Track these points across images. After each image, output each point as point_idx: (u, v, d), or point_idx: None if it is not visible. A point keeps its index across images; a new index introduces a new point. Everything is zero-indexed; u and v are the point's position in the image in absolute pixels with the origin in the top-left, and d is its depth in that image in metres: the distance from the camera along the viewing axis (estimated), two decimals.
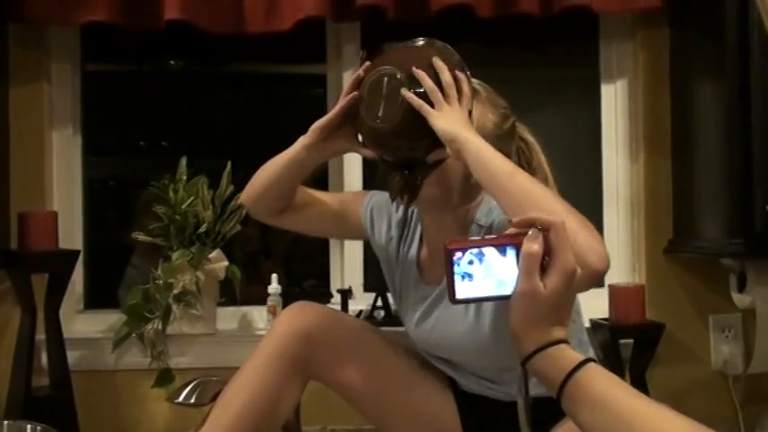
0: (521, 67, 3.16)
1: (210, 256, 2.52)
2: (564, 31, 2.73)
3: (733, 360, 2.65)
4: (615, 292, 2.55)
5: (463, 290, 1.17)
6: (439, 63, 1.59)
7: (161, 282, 2.49)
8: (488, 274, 1.17)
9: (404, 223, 1.89)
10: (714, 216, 2.46)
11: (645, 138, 2.68)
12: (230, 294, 2.63)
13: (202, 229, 2.51)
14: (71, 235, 2.61)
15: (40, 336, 2.46)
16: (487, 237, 1.20)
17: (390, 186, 1.67)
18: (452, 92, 1.57)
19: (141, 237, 2.55)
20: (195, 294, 2.50)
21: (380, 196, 1.91)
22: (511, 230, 1.18)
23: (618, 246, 2.72)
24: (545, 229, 1.15)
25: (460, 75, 1.60)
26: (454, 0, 2.43)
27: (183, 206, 2.49)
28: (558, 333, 1.16)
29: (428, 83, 1.56)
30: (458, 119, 1.55)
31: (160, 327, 2.47)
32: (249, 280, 2.89)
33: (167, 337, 2.50)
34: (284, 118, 3.88)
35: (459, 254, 1.16)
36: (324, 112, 2.66)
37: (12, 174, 2.52)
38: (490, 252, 1.17)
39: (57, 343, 2.45)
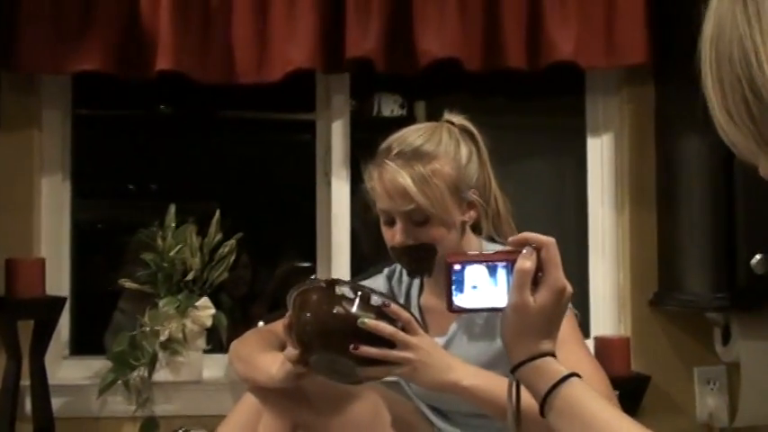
0: (508, 115, 3.20)
1: (197, 303, 2.54)
2: (551, 85, 2.77)
3: (718, 413, 2.68)
4: (601, 344, 2.57)
5: (460, 300, 1.25)
6: (369, 323, 1.52)
7: (148, 329, 2.50)
8: (484, 287, 1.25)
9: (391, 291, 1.92)
10: (699, 270, 2.50)
11: (630, 191, 2.72)
12: (216, 341, 2.64)
13: (190, 276, 2.53)
14: (58, 281, 2.63)
15: (25, 382, 2.46)
16: (485, 253, 1.30)
17: (405, 269, 1.78)
18: (401, 336, 1.53)
19: (128, 284, 2.57)
20: (181, 342, 2.52)
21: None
22: (506, 248, 1.27)
23: (603, 298, 2.75)
24: (538, 248, 1.22)
25: (388, 309, 1.55)
26: (442, 54, 2.48)
27: (171, 253, 2.52)
28: (546, 346, 1.23)
29: (385, 330, 1.52)
30: (432, 362, 1.53)
31: (146, 374, 2.49)
32: (235, 324, 2.90)
33: (153, 384, 2.51)
34: (272, 163, 3.92)
35: (457, 266, 1.25)
36: (312, 158, 2.73)
37: (0, 219, 2.54)
38: (487, 267, 1.25)
39: (41, 389, 2.46)
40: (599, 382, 1.57)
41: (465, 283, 1.25)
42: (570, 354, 1.61)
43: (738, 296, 2.37)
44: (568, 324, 1.65)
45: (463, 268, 1.25)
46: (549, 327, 1.24)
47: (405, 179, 1.70)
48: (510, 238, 1.26)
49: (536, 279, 1.23)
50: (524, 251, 1.22)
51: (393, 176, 1.72)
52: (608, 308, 2.75)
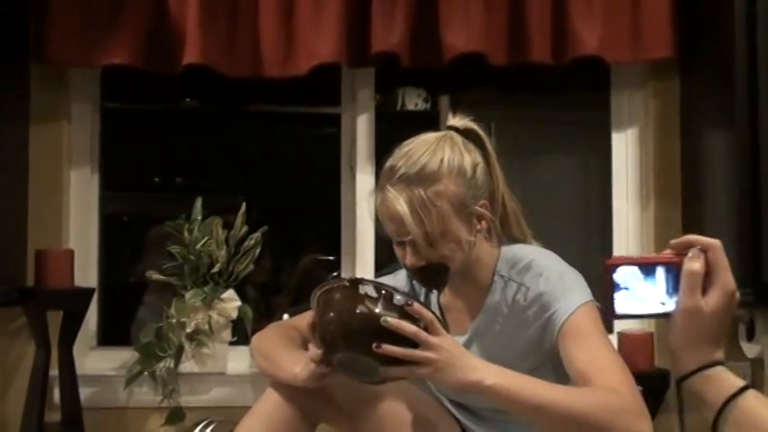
0: (533, 110, 3.19)
1: (223, 295, 2.56)
2: (576, 80, 2.76)
3: None
4: (624, 340, 2.56)
5: (622, 306, 1.20)
6: (392, 322, 1.50)
7: (174, 320, 2.53)
8: (647, 291, 1.20)
9: (412, 289, 1.92)
10: None
11: (655, 186, 2.72)
12: (242, 333, 2.65)
13: (216, 269, 2.55)
14: (86, 272, 2.66)
15: (54, 372, 2.49)
16: (646, 256, 1.24)
17: (421, 284, 1.78)
18: (424, 336, 1.51)
19: (155, 276, 2.59)
20: (207, 333, 2.54)
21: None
22: (667, 252, 1.21)
23: None
24: (704, 251, 1.18)
25: (411, 308, 1.53)
26: (467, 48, 2.48)
27: (198, 246, 2.54)
28: (718, 354, 1.19)
29: (408, 329, 1.50)
30: (454, 362, 1.52)
31: (172, 365, 2.51)
32: (260, 316, 2.92)
33: (179, 375, 2.54)
34: (297, 156, 3.92)
35: (618, 270, 1.20)
36: (337, 152, 2.74)
37: (30, 211, 2.57)
38: (650, 270, 1.20)
39: (70, 379, 2.48)
40: (620, 377, 1.57)
41: (625, 288, 1.20)
42: (592, 347, 1.61)
43: (763, 292, 2.35)
44: (590, 316, 1.66)
45: (623, 273, 1.19)
46: (720, 333, 1.19)
47: (402, 207, 1.66)
48: (672, 242, 1.20)
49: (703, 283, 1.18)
50: (690, 253, 1.18)
51: (392, 204, 1.68)
52: None
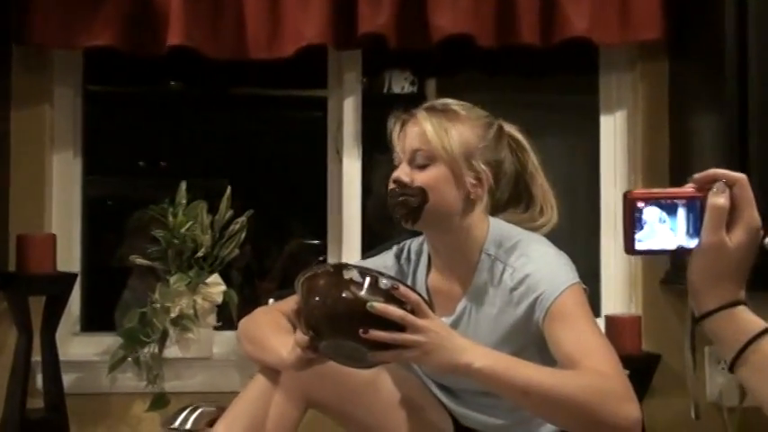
0: (521, 93, 3.18)
1: (208, 280, 2.54)
2: (564, 62, 2.75)
3: (728, 392, 2.66)
4: (611, 323, 2.56)
5: (641, 241, 1.15)
6: (378, 307, 1.48)
7: (158, 305, 2.51)
8: (669, 226, 1.15)
9: (400, 270, 1.91)
10: None
11: (643, 169, 2.70)
12: (227, 318, 2.64)
13: (200, 253, 2.53)
14: (69, 257, 2.63)
15: (36, 358, 2.47)
16: (668, 189, 1.18)
17: (394, 213, 1.75)
18: (411, 319, 1.49)
19: (139, 260, 2.57)
20: (192, 318, 2.52)
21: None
22: (690, 186, 1.16)
23: (615, 276, 2.74)
24: (729, 185, 1.13)
25: (397, 291, 1.52)
26: (455, 30, 2.46)
27: (182, 230, 2.51)
28: (741, 293, 1.14)
29: (395, 313, 1.48)
30: (443, 344, 1.50)
31: (156, 350, 2.49)
32: (245, 301, 2.90)
33: (163, 360, 2.52)
34: (283, 140, 3.90)
35: (641, 203, 1.15)
36: (323, 135, 2.72)
37: (11, 195, 2.54)
38: (673, 205, 1.15)
39: (52, 365, 2.46)
40: (607, 360, 1.56)
41: (645, 223, 1.14)
42: (579, 330, 1.61)
43: (751, 275, 2.35)
44: (577, 299, 1.65)
45: (645, 206, 1.14)
46: (744, 271, 1.14)
47: (425, 122, 1.74)
48: (695, 176, 1.15)
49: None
50: (715, 188, 1.13)
51: (416, 118, 1.76)
52: (619, 287, 2.74)
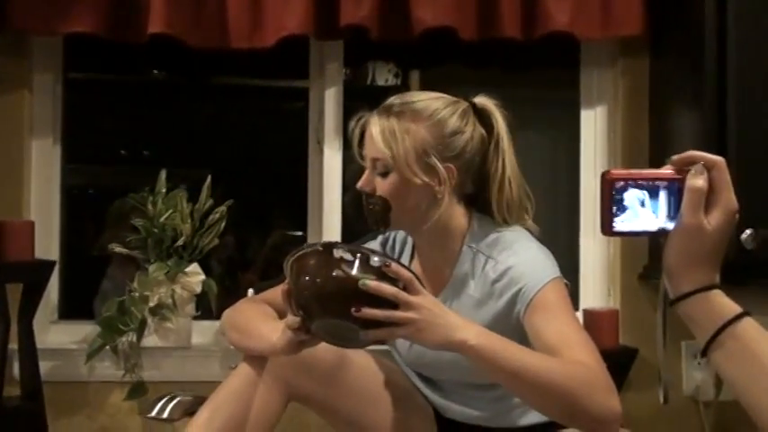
0: (503, 87, 3.18)
1: (187, 269, 2.54)
2: (546, 57, 2.75)
3: (705, 386, 2.68)
4: (589, 317, 2.57)
5: (619, 222, 1.14)
6: (371, 284, 1.48)
7: (137, 294, 2.50)
8: (646, 208, 1.14)
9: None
10: None
11: (623, 164, 2.70)
12: (206, 308, 2.63)
13: (180, 242, 2.52)
14: (47, 244, 2.62)
15: (13, 345, 2.45)
16: (647, 171, 1.16)
17: (367, 217, 1.77)
18: (404, 296, 1.49)
19: (118, 249, 2.56)
20: (171, 308, 2.51)
21: None
22: (668, 167, 1.15)
23: (593, 271, 2.76)
24: (708, 168, 1.12)
25: (389, 269, 1.50)
26: (437, 23, 2.46)
27: (162, 219, 2.51)
28: (716, 277, 1.14)
29: (388, 291, 1.48)
30: (436, 321, 1.49)
31: (134, 339, 2.49)
32: (226, 292, 2.90)
33: (141, 349, 2.51)
34: (264, 130, 3.90)
35: (620, 183, 1.14)
36: (304, 126, 2.72)
37: None
38: (651, 186, 1.14)
39: (29, 353, 2.44)
40: (588, 353, 1.56)
41: (623, 204, 1.13)
42: (560, 323, 1.61)
43: (728, 270, 2.34)
44: (559, 293, 1.66)
45: (622, 187, 1.13)
46: (720, 254, 1.13)
47: (375, 128, 1.73)
48: (673, 157, 1.14)
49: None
50: (693, 170, 1.11)
51: (370, 123, 1.75)
52: (597, 281, 2.76)
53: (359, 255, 1.51)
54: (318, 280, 1.49)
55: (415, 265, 1.86)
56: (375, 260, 1.51)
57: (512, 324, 1.68)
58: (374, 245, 1.93)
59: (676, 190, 1.14)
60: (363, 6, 2.43)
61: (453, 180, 1.75)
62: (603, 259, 2.76)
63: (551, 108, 3.26)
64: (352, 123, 1.81)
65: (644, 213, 1.14)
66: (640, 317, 2.69)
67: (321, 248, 1.53)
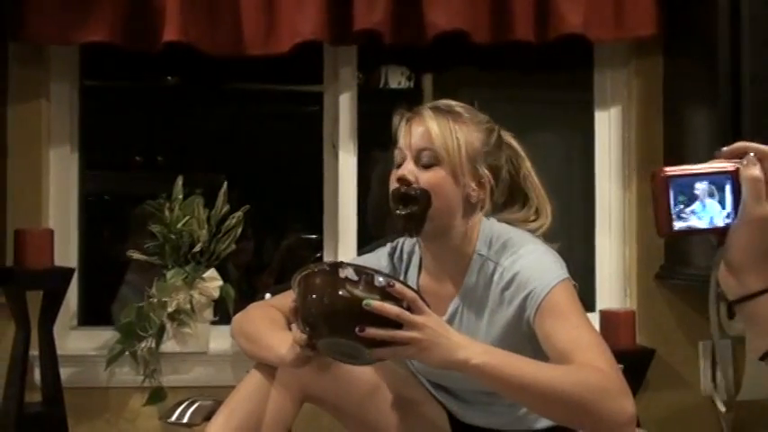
0: (517, 89, 3.19)
1: (205, 275, 2.55)
2: (559, 58, 2.75)
3: (722, 386, 2.68)
4: (606, 317, 2.57)
5: (678, 222, 1.08)
6: (374, 305, 1.48)
7: (155, 300, 2.52)
8: (705, 203, 1.09)
9: (393, 270, 1.91)
10: (705, 243, 2.47)
11: (638, 165, 2.72)
12: (224, 313, 2.64)
13: (197, 248, 2.54)
14: (66, 252, 2.64)
15: (34, 352, 2.48)
16: (699, 166, 1.10)
17: (396, 223, 1.73)
18: (408, 316, 1.49)
19: (136, 255, 2.58)
20: (189, 313, 2.53)
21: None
22: (715, 162, 1.09)
23: (609, 271, 2.76)
24: (759, 159, 1.06)
25: (393, 289, 1.50)
26: (450, 26, 2.46)
27: (179, 225, 2.53)
28: None
29: (391, 311, 1.48)
30: (439, 340, 1.50)
31: (153, 345, 2.51)
32: (244, 296, 2.91)
33: (160, 355, 2.53)
34: (279, 135, 3.91)
35: (674, 180, 1.08)
36: (319, 130, 2.73)
37: (9, 190, 2.55)
38: (707, 180, 1.08)
39: (50, 359, 2.47)
40: (600, 355, 1.56)
41: (681, 202, 1.07)
42: (571, 325, 1.60)
43: None
44: (568, 294, 1.64)
45: (677, 184, 1.07)
46: None
47: (431, 122, 1.73)
48: (723, 149, 1.08)
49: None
50: (746, 161, 1.05)
51: (422, 118, 1.75)
52: (614, 282, 2.76)
53: (363, 275, 1.52)
54: (325, 299, 1.51)
55: (423, 278, 1.85)
56: (380, 280, 1.52)
57: (523, 330, 1.68)
58: (383, 255, 1.92)
59: (732, 183, 1.08)
60: (377, 11, 2.44)
61: (491, 188, 1.77)
62: (620, 259, 2.76)
63: (565, 109, 3.26)
64: (395, 118, 1.81)
65: (703, 210, 1.09)
66: (657, 317, 2.69)
67: (328, 268, 1.55)
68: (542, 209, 1.87)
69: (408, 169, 1.72)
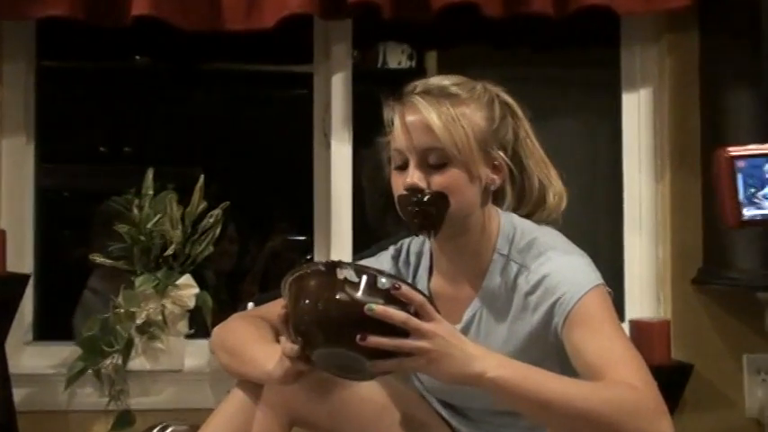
0: (533, 68, 3.19)
1: (178, 281, 2.56)
2: (581, 33, 2.76)
3: None
4: (637, 328, 2.58)
5: (749, 209, 1.08)
6: (378, 310, 1.47)
7: (122, 311, 2.52)
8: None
9: (397, 272, 1.91)
10: (749, 244, 2.50)
11: (671, 153, 2.72)
12: (200, 325, 2.66)
13: (170, 251, 2.55)
14: (20, 256, 2.65)
15: None
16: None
17: (410, 224, 1.72)
18: (415, 323, 1.48)
19: (100, 259, 2.58)
20: (161, 325, 2.54)
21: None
22: None
23: (640, 276, 2.77)
24: None
25: (399, 291, 1.50)
26: None
27: (149, 225, 2.53)
28: None
29: (397, 317, 1.47)
30: (451, 351, 1.49)
31: (120, 362, 2.51)
32: (222, 306, 2.91)
33: (128, 373, 2.54)
34: (264, 122, 3.91)
35: (743, 162, 1.07)
36: (309, 116, 2.73)
37: None
38: None
39: (2, 379, 2.47)
40: (635, 371, 1.55)
41: (752, 187, 1.07)
42: (604, 337, 1.60)
43: None
44: (601, 302, 1.65)
45: (747, 167, 1.06)
46: None
47: (430, 114, 1.69)
48: None
49: None
50: None
51: (417, 110, 1.71)
52: (645, 287, 2.77)
53: (365, 275, 1.51)
54: (320, 304, 1.50)
55: (436, 281, 1.86)
56: (383, 282, 1.50)
57: (550, 341, 1.68)
58: (385, 258, 1.92)
59: None
60: None
61: (509, 168, 1.77)
62: (652, 261, 2.77)
63: (588, 91, 3.27)
64: (387, 111, 1.79)
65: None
66: (695, 328, 2.69)
67: (323, 268, 1.54)
68: (548, 186, 1.86)
69: (417, 176, 1.70)
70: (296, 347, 1.55)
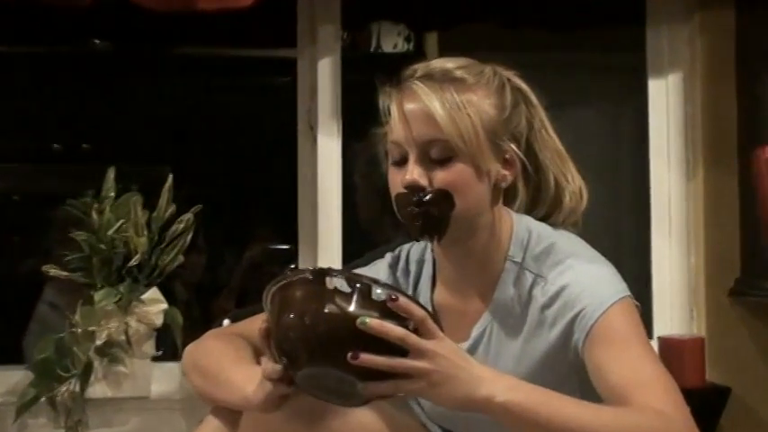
0: (547, 52, 3.20)
1: (144, 296, 2.55)
2: (602, 12, 2.75)
3: None
4: (667, 346, 2.58)
5: None
6: (372, 324, 1.45)
7: (79, 330, 2.51)
8: None
9: (395, 282, 1.90)
10: None
11: (704, 148, 2.72)
12: (169, 345, 2.65)
13: (134, 261, 2.53)
14: None
15: None
16: None
17: (410, 227, 1.70)
18: (415, 340, 1.47)
19: (54, 271, 2.56)
20: (124, 346, 2.52)
21: None
22: None
23: (670, 287, 2.76)
24: None
25: (396, 304, 1.48)
26: None
27: (110, 232, 2.51)
28: None
29: (394, 333, 1.45)
30: (455, 373, 1.49)
31: (78, 389, 2.49)
32: (193, 323, 2.91)
33: (87, 401, 2.52)
34: (241, 114, 3.91)
35: None
36: (293, 107, 2.72)
37: None
38: None
39: None
40: (665, 395, 1.54)
41: None
42: (631, 356, 1.59)
43: None
44: (628, 316, 1.64)
45: None
46: None
47: (431, 101, 1.67)
48: None
49: None
50: None
51: (417, 97, 1.69)
52: (676, 300, 2.76)
53: (358, 285, 1.50)
54: (306, 318, 1.48)
55: (440, 293, 1.85)
56: (378, 292, 1.49)
57: (569, 361, 1.67)
58: (381, 267, 1.92)
59: None
60: None
61: (522, 162, 1.75)
62: (683, 270, 2.76)
63: (610, 77, 3.28)
64: (383, 99, 1.76)
65: None
66: (733, 345, 2.69)
67: (310, 276, 1.52)
68: (565, 178, 1.85)
69: (417, 172, 1.69)
70: (279, 368, 1.53)
